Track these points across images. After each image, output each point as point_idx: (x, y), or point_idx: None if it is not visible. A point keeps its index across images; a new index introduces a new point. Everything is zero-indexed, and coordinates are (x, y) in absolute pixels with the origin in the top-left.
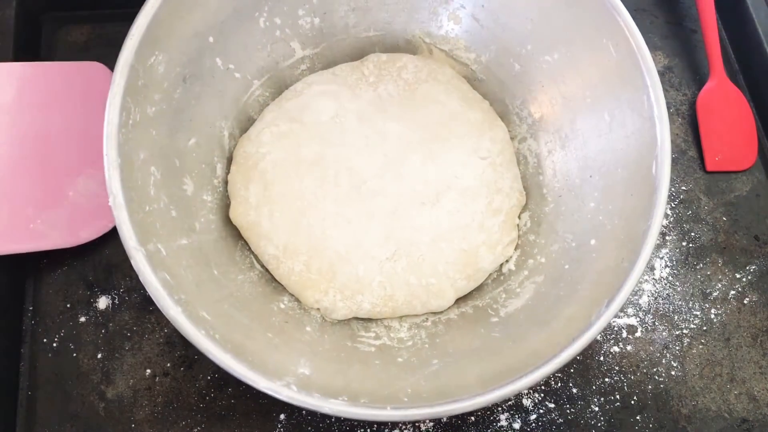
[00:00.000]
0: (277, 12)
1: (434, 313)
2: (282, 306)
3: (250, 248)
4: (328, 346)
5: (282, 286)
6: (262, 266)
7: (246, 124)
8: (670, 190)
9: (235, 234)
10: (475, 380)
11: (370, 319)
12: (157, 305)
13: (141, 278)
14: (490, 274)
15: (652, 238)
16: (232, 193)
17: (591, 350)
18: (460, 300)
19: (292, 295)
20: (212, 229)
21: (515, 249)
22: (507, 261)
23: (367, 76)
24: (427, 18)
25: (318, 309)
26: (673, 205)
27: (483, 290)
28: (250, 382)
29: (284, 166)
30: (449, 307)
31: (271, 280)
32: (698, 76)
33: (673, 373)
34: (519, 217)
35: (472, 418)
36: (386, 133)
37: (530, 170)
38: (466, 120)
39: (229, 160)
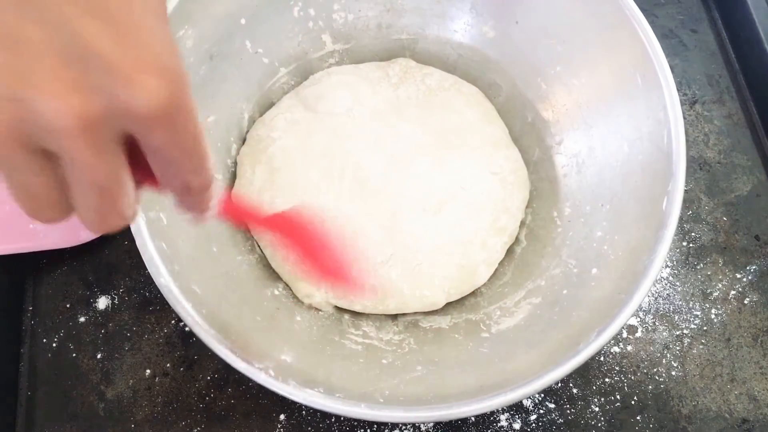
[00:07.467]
0: (312, 3)
1: (425, 314)
2: (276, 293)
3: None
4: (315, 338)
5: (278, 273)
6: (263, 251)
7: (266, 108)
8: None
9: None
10: (455, 392)
11: (360, 315)
12: (150, 272)
13: (138, 243)
14: (485, 291)
15: (653, 274)
16: (239, 173)
17: None
18: (454, 312)
19: (287, 284)
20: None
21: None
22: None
23: (390, 76)
24: (461, 27)
25: (310, 305)
26: None
27: (478, 306)
28: (229, 362)
29: (292, 154)
30: (441, 317)
31: (268, 266)
32: (698, 76)
33: (673, 373)
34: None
35: (472, 418)
36: (398, 134)
37: None
38: (482, 133)
39: (244, 142)
